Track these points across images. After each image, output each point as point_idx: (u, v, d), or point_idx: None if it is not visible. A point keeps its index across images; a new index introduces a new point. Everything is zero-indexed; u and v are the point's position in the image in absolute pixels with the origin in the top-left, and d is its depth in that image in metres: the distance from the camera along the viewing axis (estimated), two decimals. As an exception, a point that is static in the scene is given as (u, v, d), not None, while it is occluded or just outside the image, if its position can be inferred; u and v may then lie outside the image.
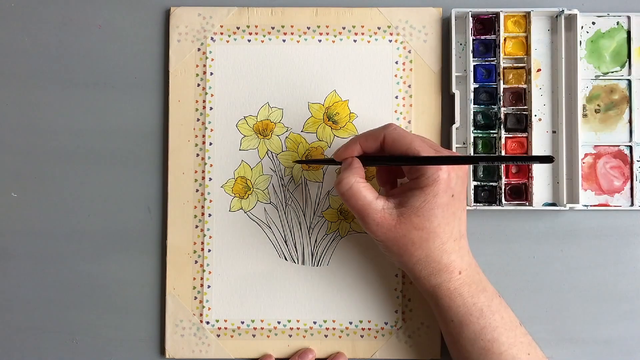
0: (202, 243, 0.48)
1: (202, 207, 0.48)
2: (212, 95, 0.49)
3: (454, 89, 0.48)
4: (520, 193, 0.48)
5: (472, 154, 0.47)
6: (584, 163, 0.48)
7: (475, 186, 0.47)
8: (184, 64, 0.49)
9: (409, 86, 0.49)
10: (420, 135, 0.43)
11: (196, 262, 0.48)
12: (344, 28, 0.49)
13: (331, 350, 0.48)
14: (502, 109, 0.48)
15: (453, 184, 0.40)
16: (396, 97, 0.49)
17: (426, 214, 0.40)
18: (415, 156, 0.40)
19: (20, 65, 0.50)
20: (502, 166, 0.47)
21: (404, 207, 0.40)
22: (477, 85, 0.48)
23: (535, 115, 0.48)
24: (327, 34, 0.49)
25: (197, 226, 0.48)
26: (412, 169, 0.41)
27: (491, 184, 0.48)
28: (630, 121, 0.48)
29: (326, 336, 0.48)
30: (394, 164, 0.43)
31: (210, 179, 0.48)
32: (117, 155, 0.49)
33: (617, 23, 0.48)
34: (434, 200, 0.40)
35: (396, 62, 0.49)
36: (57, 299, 0.49)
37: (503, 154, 0.47)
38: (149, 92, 0.49)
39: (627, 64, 0.48)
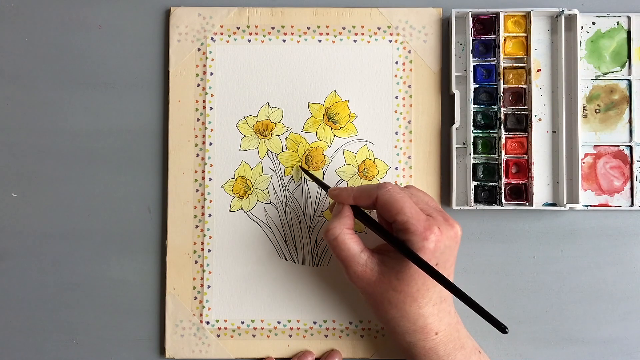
0: (202, 243, 0.48)
1: (202, 207, 0.48)
2: (212, 95, 0.49)
3: (454, 89, 0.48)
4: (520, 193, 0.48)
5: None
6: (584, 163, 0.48)
7: (475, 186, 0.47)
8: (184, 64, 0.49)
9: (409, 86, 0.49)
10: (415, 194, 0.41)
11: (196, 262, 0.48)
12: (344, 28, 0.49)
13: (331, 350, 0.48)
14: (502, 109, 0.48)
15: (439, 254, 0.39)
16: (396, 97, 0.49)
17: (406, 279, 0.39)
18: (396, 238, 0.39)
19: (20, 65, 0.50)
20: (502, 166, 0.47)
21: (386, 266, 0.40)
22: (477, 85, 0.48)
23: (535, 115, 0.48)
24: (327, 34, 0.49)
25: (197, 226, 0.48)
26: (399, 231, 0.40)
27: (491, 184, 0.48)
28: (630, 121, 0.48)
29: (326, 336, 0.48)
30: (376, 232, 0.41)
31: (210, 179, 0.48)
32: (117, 155, 0.49)
33: (617, 23, 0.48)
34: (415, 267, 0.39)
35: (396, 62, 0.49)
36: (57, 299, 0.49)
37: (503, 154, 0.47)
38: (149, 92, 0.49)
39: (627, 64, 0.48)
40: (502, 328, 0.34)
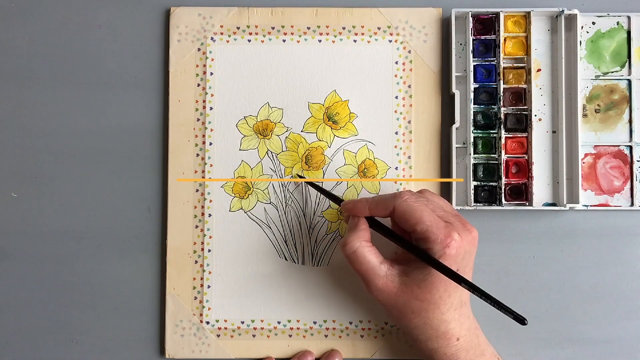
0: (202, 243, 0.48)
1: (202, 207, 0.48)
2: (212, 95, 0.49)
3: (454, 89, 0.48)
4: (520, 193, 0.48)
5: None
6: (584, 163, 0.48)
7: (475, 186, 0.47)
8: (184, 64, 0.49)
9: (409, 86, 0.49)
10: (431, 200, 0.41)
11: (196, 262, 0.48)
12: (344, 28, 0.49)
13: (331, 350, 0.48)
14: (502, 109, 0.48)
15: (460, 259, 0.39)
16: (396, 97, 0.49)
17: (428, 287, 0.40)
18: (417, 247, 0.40)
19: (20, 65, 0.50)
20: (502, 166, 0.47)
21: (407, 277, 0.40)
22: (477, 85, 0.48)
23: (535, 115, 0.48)
24: (327, 34, 0.49)
25: (197, 226, 0.48)
26: (419, 240, 0.40)
27: (491, 184, 0.48)
28: (630, 121, 0.48)
29: (326, 336, 0.48)
30: (396, 242, 0.41)
31: (210, 179, 0.48)
32: (117, 155, 0.49)
33: (617, 23, 0.48)
34: (437, 275, 0.39)
35: (396, 62, 0.49)
36: (57, 299, 0.49)
37: (503, 154, 0.47)
38: (149, 92, 0.49)
39: (627, 64, 0.48)
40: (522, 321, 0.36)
